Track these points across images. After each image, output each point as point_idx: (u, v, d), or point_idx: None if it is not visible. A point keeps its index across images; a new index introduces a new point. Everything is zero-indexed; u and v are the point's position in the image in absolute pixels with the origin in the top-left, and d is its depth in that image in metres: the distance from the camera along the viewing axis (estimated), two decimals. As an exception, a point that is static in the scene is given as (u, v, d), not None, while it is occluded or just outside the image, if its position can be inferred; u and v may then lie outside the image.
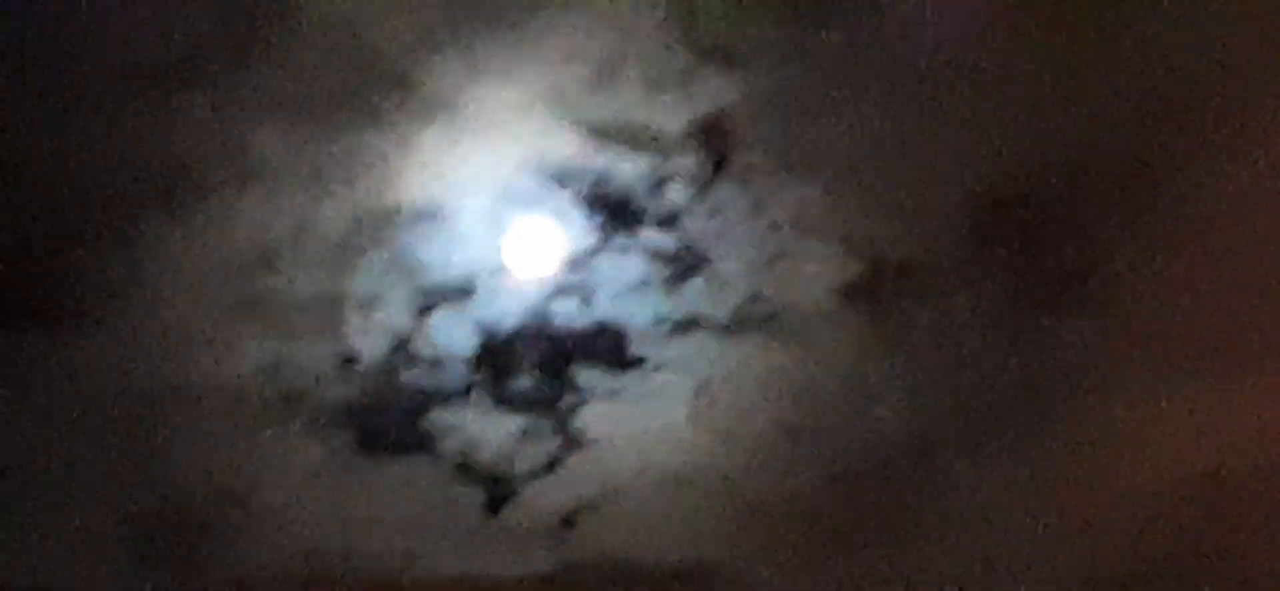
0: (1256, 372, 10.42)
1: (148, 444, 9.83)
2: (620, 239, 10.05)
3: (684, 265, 10.12)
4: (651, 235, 10.06)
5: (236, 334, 9.86)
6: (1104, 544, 10.41)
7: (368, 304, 9.94)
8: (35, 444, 9.84)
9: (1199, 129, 10.46)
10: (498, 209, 10.03)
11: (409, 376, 9.98)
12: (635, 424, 10.01)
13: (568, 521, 10.05)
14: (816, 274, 10.17)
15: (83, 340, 9.84)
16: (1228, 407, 10.45)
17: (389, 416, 9.96)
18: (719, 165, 10.17)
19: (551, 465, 9.98)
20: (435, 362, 9.97)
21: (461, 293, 9.99)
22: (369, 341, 9.93)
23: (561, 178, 9.99)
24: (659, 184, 10.05)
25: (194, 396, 9.83)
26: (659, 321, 10.06)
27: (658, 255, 10.08)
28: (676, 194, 10.09)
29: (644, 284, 10.06)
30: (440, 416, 9.95)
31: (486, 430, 9.97)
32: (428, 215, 9.98)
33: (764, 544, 10.20)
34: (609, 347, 10.04)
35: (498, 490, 9.99)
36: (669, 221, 10.04)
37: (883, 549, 10.23)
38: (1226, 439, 10.49)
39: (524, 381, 10.02)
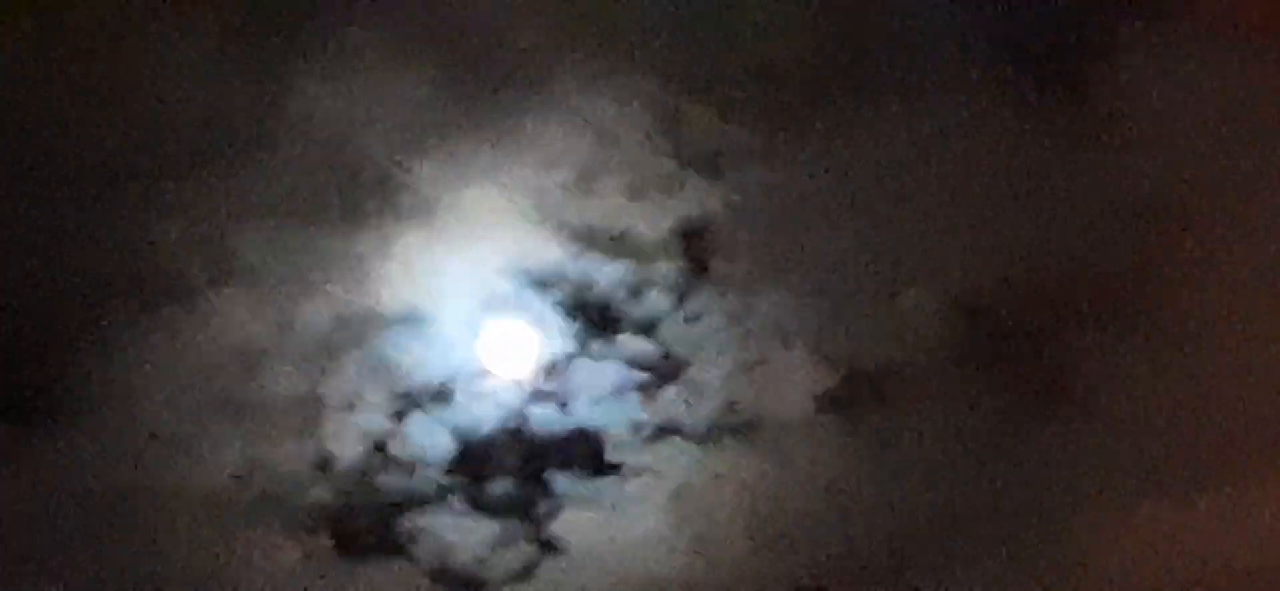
0: (1237, 482, 10.64)
1: (124, 546, 10.30)
2: (598, 345, 10.57)
3: (661, 372, 10.59)
4: (629, 341, 10.57)
5: (214, 435, 10.35)
6: None
7: (345, 406, 10.39)
8: (10, 544, 9.85)
9: (1178, 239, 11.27)
10: (477, 313, 10.60)
11: (385, 479, 10.28)
12: (611, 530, 10.34)
13: None
14: (793, 383, 10.63)
15: (60, 440, 10.34)
16: (1207, 518, 10.63)
17: (365, 519, 10.15)
18: (698, 272, 10.63)
19: (527, 571, 10.16)
20: (412, 466, 10.38)
21: (439, 396, 10.43)
22: (346, 444, 10.38)
23: (541, 283, 10.62)
24: (638, 290, 10.55)
25: (171, 498, 10.31)
26: (636, 428, 10.45)
27: (635, 362, 10.59)
28: (655, 301, 10.59)
29: (621, 390, 10.53)
30: (416, 520, 10.29)
31: (462, 535, 10.28)
32: (407, 318, 10.55)
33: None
34: (585, 453, 10.45)
35: (474, 594, 9.94)
36: (647, 328, 10.58)
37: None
38: (1206, 549, 10.56)
39: (500, 486, 10.37)
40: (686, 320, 11.20)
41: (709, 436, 11.06)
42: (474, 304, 11.11)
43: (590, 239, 11.23)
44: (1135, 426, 11.16)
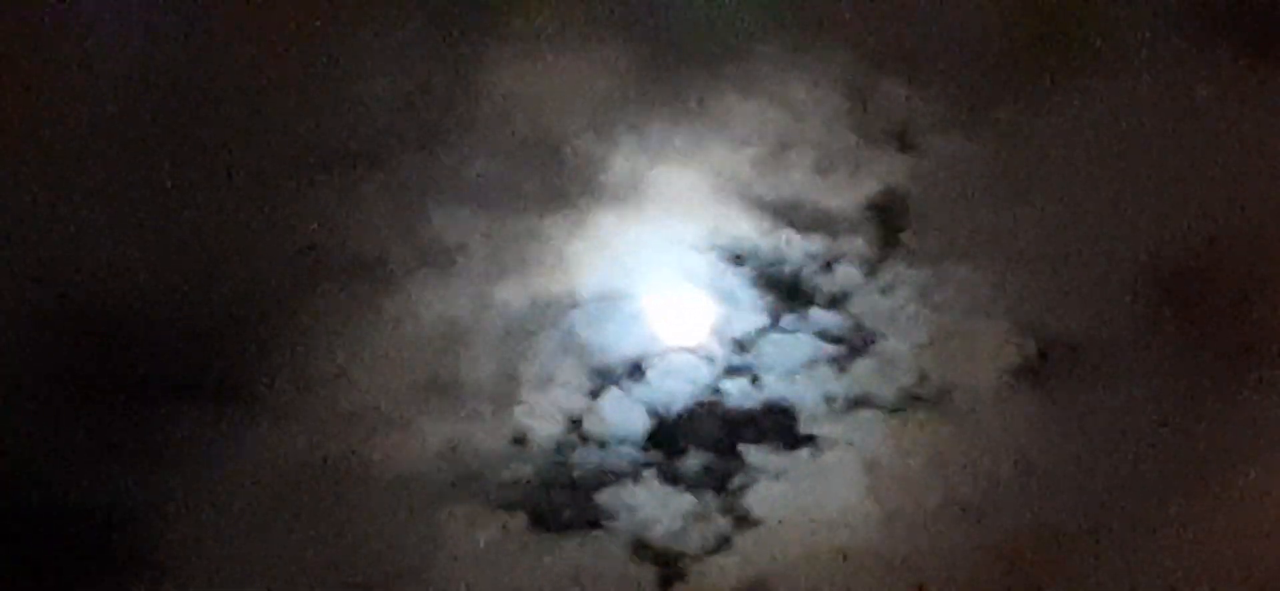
0: None
1: (327, 522, 10.70)
2: (790, 318, 10.72)
3: (853, 345, 10.73)
4: (821, 315, 10.70)
5: (414, 414, 10.79)
6: None
7: (542, 385, 10.70)
8: (219, 523, 10.43)
9: None
10: (670, 290, 10.86)
11: (582, 456, 10.50)
12: (805, 502, 10.61)
13: None
14: (985, 353, 10.83)
15: (264, 419, 11.00)
16: None
17: (562, 496, 10.47)
18: (889, 246, 10.84)
19: (722, 544, 10.39)
20: (607, 442, 10.52)
21: (633, 373, 10.81)
22: (543, 421, 10.67)
23: (733, 258, 10.88)
24: (829, 264, 10.77)
25: (372, 475, 10.74)
26: (828, 400, 10.61)
27: (827, 335, 10.71)
28: (846, 274, 10.79)
29: (813, 363, 10.68)
30: (612, 495, 10.59)
31: (658, 509, 10.59)
32: (601, 297, 10.94)
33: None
34: (779, 427, 10.63)
35: (669, 569, 10.33)
36: (839, 301, 10.73)
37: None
38: None
39: (695, 460, 10.57)
40: (878, 293, 11.43)
41: (901, 408, 11.30)
42: (667, 281, 11.45)
43: (782, 214, 11.49)
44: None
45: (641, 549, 11.21)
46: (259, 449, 11.23)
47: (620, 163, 11.53)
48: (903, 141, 11.62)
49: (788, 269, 11.48)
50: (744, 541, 11.22)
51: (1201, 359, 11.25)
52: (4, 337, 11.09)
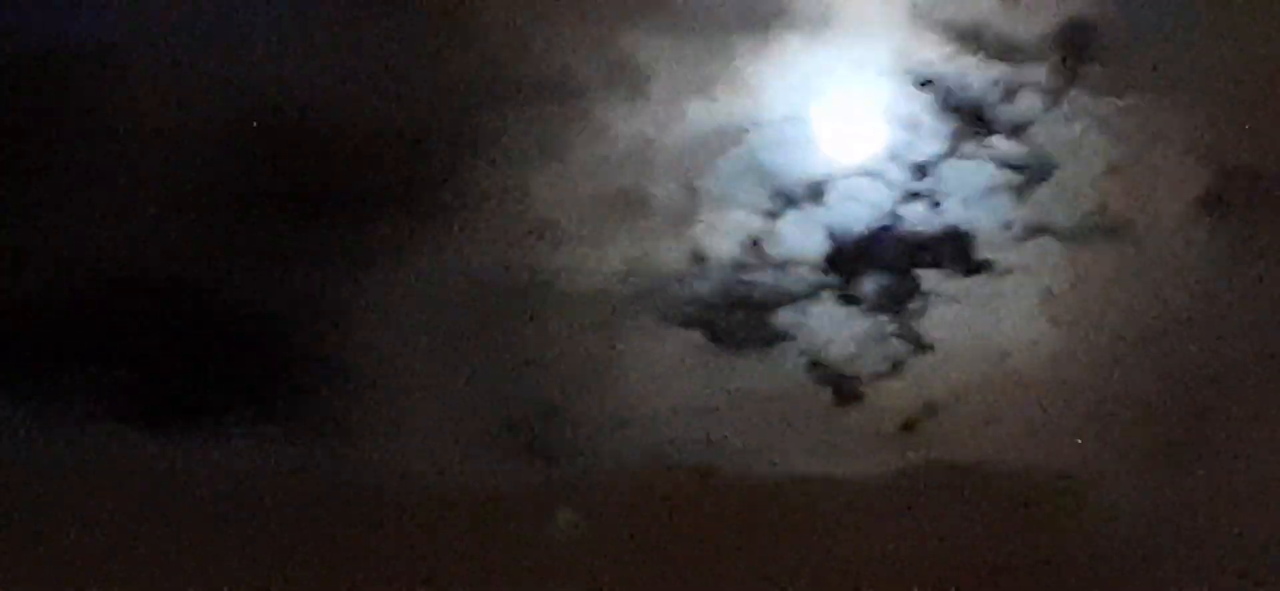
0: None
1: (512, 331, 10.87)
2: (971, 146, 10.83)
3: (1033, 173, 10.84)
4: (1001, 143, 10.82)
5: (597, 230, 11.09)
6: None
7: (723, 205, 10.84)
8: (407, 331, 10.86)
9: None
10: (851, 115, 10.99)
11: (760, 276, 10.75)
12: (980, 328, 10.85)
13: (910, 424, 10.58)
14: (1166, 185, 10.98)
15: (452, 228, 11.17)
16: None
17: (740, 314, 10.77)
18: (1072, 76, 10.93)
19: (897, 366, 10.67)
20: (785, 263, 10.74)
21: (813, 195, 10.92)
22: (722, 241, 10.85)
23: (917, 84, 10.92)
24: (1012, 92, 10.89)
25: (555, 288, 11.06)
26: (1006, 227, 10.75)
27: (1007, 162, 10.81)
28: (1028, 103, 10.92)
29: (993, 190, 10.81)
30: (789, 316, 10.85)
31: (834, 330, 10.86)
32: (783, 120, 11.14)
33: (1110, 451, 10.54)
34: (956, 252, 10.85)
35: (843, 389, 10.63)
36: (1020, 130, 10.82)
37: (1229, 461, 10.41)
38: None
39: (872, 283, 10.77)
40: (1059, 122, 11.61)
41: (1079, 237, 11.54)
42: (850, 105, 11.67)
43: (967, 40, 11.64)
44: None
45: (817, 368, 11.60)
46: (445, 258, 11.65)
47: (812, -12, 11.71)
48: (1091, -30, 11.71)
49: (971, 95, 11.67)
50: (918, 364, 11.59)
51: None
52: (202, 149, 11.51)
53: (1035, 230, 11.64)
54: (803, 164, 11.71)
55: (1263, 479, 11.21)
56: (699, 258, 11.70)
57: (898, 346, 11.58)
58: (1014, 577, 11.26)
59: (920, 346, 11.57)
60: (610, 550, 11.47)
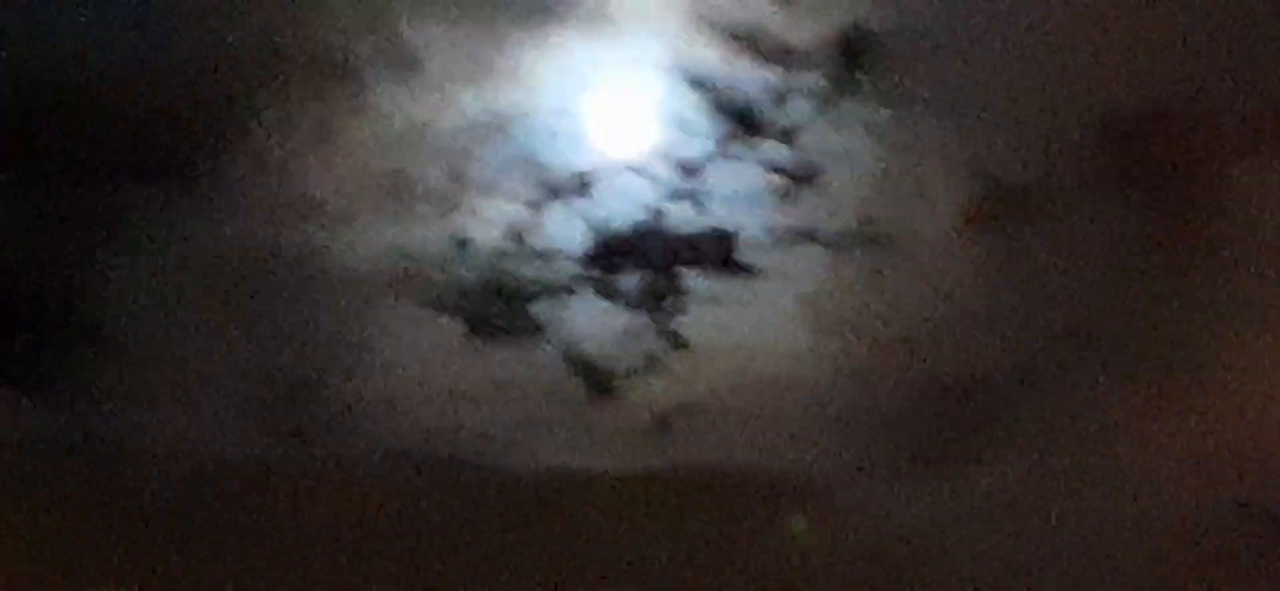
0: None
1: (272, 309, 10.95)
2: (739, 147, 10.83)
3: (800, 178, 10.85)
4: (771, 146, 10.83)
5: (364, 211, 10.98)
6: (1216, 486, 10.47)
7: (488, 192, 10.88)
8: (166, 302, 10.92)
9: None
10: (621, 110, 11.03)
11: (521, 266, 10.75)
12: (738, 330, 10.87)
13: (665, 421, 10.59)
14: (932, 197, 10.97)
15: (217, 201, 11.11)
16: None
17: (499, 303, 10.78)
18: (845, 84, 10.90)
19: (654, 364, 10.67)
20: (547, 254, 10.77)
21: (578, 188, 10.90)
22: (485, 229, 10.89)
23: (688, 83, 10.93)
24: (783, 97, 10.89)
25: (318, 267, 10.93)
26: (770, 231, 10.78)
27: (775, 166, 10.83)
28: (800, 108, 10.90)
29: (758, 193, 10.80)
30: (548, 308, 10.87)
31: (593, 324, 10.93)
32: (553, 111, 11.06)
33: (864, 457, 10.56)
34: (718, 253, 10.76)
35: (600, 384, 10.68)
36: (790, 134, 10.84)
37: (979, 468, 10.50)
38: None
39: (632, 280, 10.76)
40: (829, 129, 11.63)
41: (843, 244, 11.57)
42: (621, 100, 11.70)
43: (742, 42, 11.65)
44: (1273, 261, 11.35)
45: (574, 361, 11.65)
46: (209, 232, 11.70)
47: (589, -19, 11.74)
48: (868, -22, 11.74)
49: (742, 97, 11.68)
50: (676, 362, 11.63)
51: (1151, 222, 11.45)
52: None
53: (799, 236, 11.67)
54: (570, 157, 11.75)
55: (1010, 498, 11.28)
56: (462, 244, 11.74)
57: (655, 344, 11.64)
58: (757, 580, 11.35)
59: (677, 345, 11.62)
60: (363, 531, 11.54)
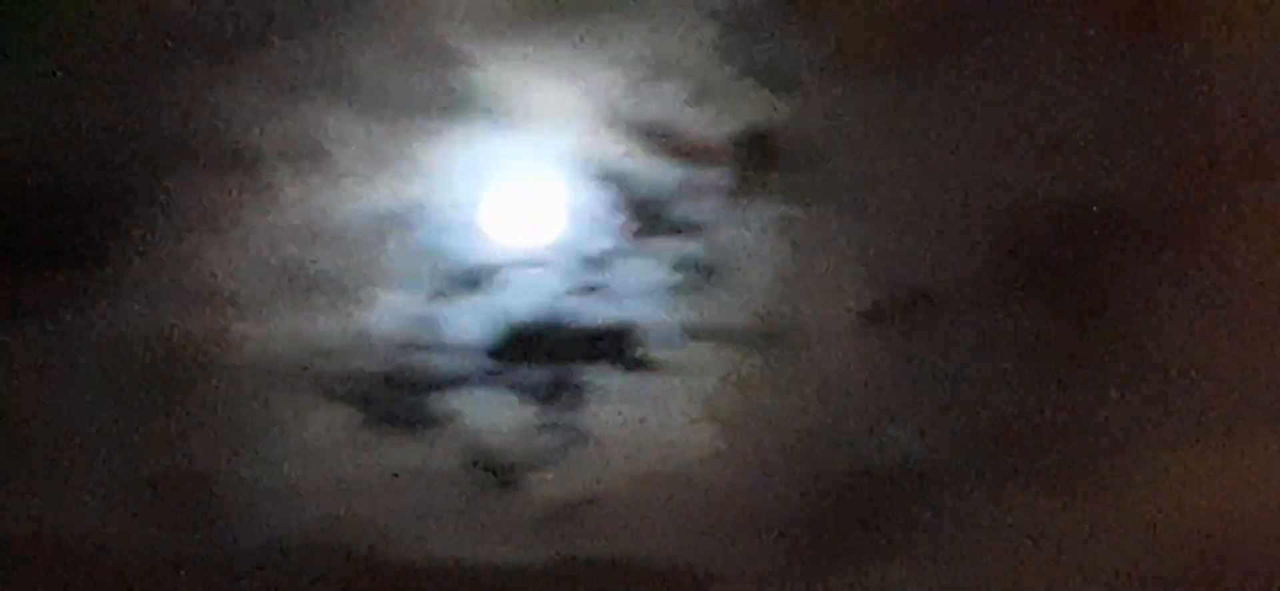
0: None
1: (169, 401, 10.89)
2: (646, 243, 10.85)
3: (705, 275, 10.87)
4: (677, 243, 10.87)
5: (265, 302, 10.94)
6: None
7: (391, 285, 10.83)
8: (58, 389, 10.82)
9: (1238, 179, 11.10)
10: (526, 204, 11.00)
11: (422, 359, 10.74)
12: (644, 425, 10.89)
13: (569, 515, 10.69)
14: (836, 295, 11.09)
15: (116, 292, 11.03)
16: (1263, 462, 10.78)
17: (400, 396, 10.74)
18: (750, 181, 10.98)
19: (557, 459, 10.64)
20: (449, 348, 10.78)
21: (481, 282, 10.91)
22: (388, 320, 10.77)
23: (593, 179, 10.95)
24: (689, 193, 10.89)
25: (213, 356, 10.77)
26: (675, 328, 10.76)
27: (681, 263, 10.87)
28: (705, 205, 10.92)
29: (664, 289, 10.82)
30: (449, 401, 10.83)
31: (494, 419, 10.94)
32: (457, 205, 11.02)
33: (764, 554, 10.65)
34: (623, 349, 10.80)
35: (501, 478, 10.68)
36: (695, 230, 10.87)
37: (884, 569, 10.56)
38: (1261, 496, 10.76)
39: (536, 375, 10.76)
40: (735, 226, 11.67)
41: (748, 341, 11.61)
42: (524, 195, 11.70)
43: (650, 139, 11.68)
44: (1179, 366, 11.52)
45: (473, 454, 11.63)
46: (105, 319, 11.61)
47: (497, 73, 11.69)
48: (778, 80, 11.76)
49: (648, 193, 11.71)
50: (578, 457, 11.64)
51: (1049, 324, 11.57)
52: None
53: (702, 332, 11.72)
54: (474, 250, 11.72)
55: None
56: (363, 336, 11.70)
57: (556, 438, 11.64)
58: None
59: (579, 439, 11.63)
60: (254, 623, 11.50)
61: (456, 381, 11.65)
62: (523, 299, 11.72)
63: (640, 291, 11.75)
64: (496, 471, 11.58)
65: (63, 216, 11.75)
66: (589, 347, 11.73)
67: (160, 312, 11.64)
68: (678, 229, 11.74)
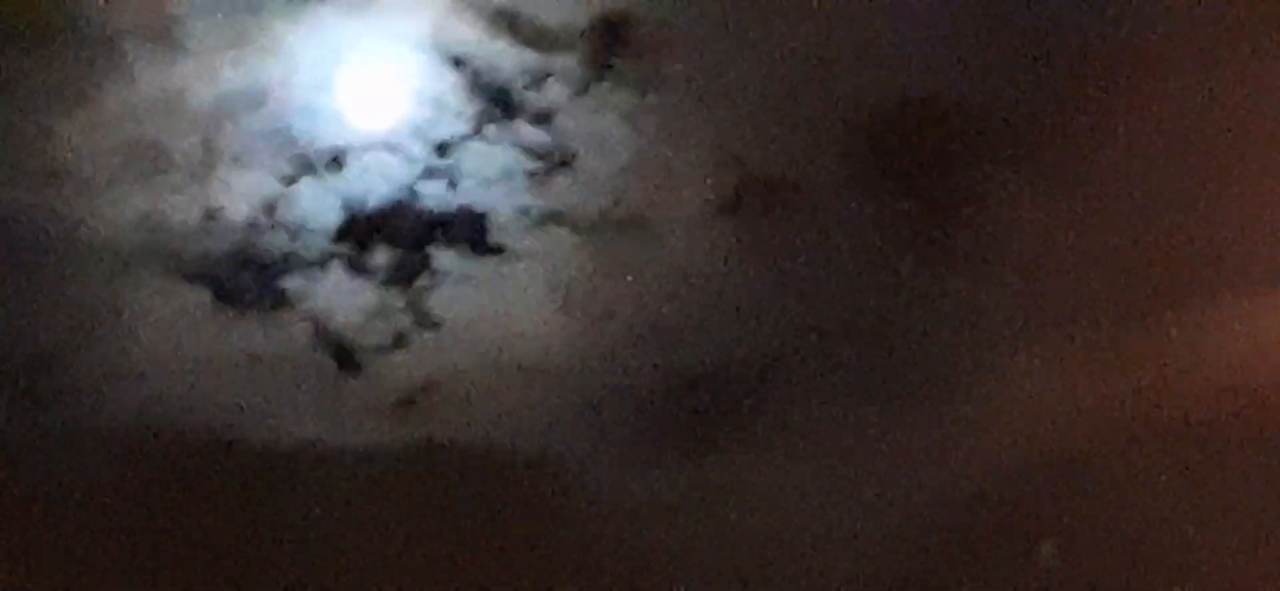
0: (1124, 328, 10.81)
1: (18, 280, 10.82)
2: (494, 129, 10.91)
3: (553, 161, 10.92)
4: (525, 129, 10.91)
5: (116, 180, 10.91)
6: (955, 481, 10.63)
7: (241, 165, 10.90)
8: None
9: (1088, 80, 11.23)
10: (377, 87, 10.98)
11: (271, 240, 10.78)
12: (489, 310, 10.97)
13: (411, 399, 10.63)
14: (685, 184, 11.05)
15: None
16: (1095, 365, 10.85)
17: (247, 276, 10.78)
18: (601, 68, 11.02)
19: (401, 341, 10.70)
20: (298, 230, 10.80)
21: (331, 164, 10.95)
22: (236, 202, 10.83)
23: (445, 63, 10.99)
24: (540, 79, 10.97)
25: (65, 234, 10.77)
26: (523, 213, 10.82)
27: (528, 149, 10.90)
28: (556, 91, 10.98)
29: (511, 175, 10.88)
30: (297, 282, 10.80)
31: (341, 300, 10.93)
32: (311, 86, 11.03)
33: (602, 438, 10.65)
34: (470, 233, 10.83)
35: (346, 360, 10.71)
36: (545, 117, 10.92)
37: (727, 461, 10.60)
38: (1093, 397, 10.83)
39: (383, 257, 10.80)
40: (585, 113, 11.72)
41: (596, 228, 11.63)
42: (376, 78, 11.77)
43: (500, 24, 11.73)
44: (1026, 265, 11.56)
45: (323, 336, 11.65)
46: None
47: (349, -41, 11.82)
48: (630, -34, 11.88)
49: (499, 79, 11.76)
50: (423, 341, 11.67)
51: (900, 218, 11.60)
52: None
53: (551, 218, 11.75)
54: (325, 132, 11.79)
55: (749, 486, 11.36)
56: (212, 216, 11.74)
57: (404, 321, 11.66)
58: (496, 555, 11.37)
59: (426, 323, 11.65)
60: (104, 503, 11.49)
61: (307, 263, 11.68)
62: (373, 182, 11.78)
63: (491, 177, 11.80)
64: (345, 354, 11.60)
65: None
66: (438, 232, 11.77)
67: (11, 191, 11.70)
68: (530, 116, 11.81)
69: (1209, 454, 11.31)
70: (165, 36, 11.79)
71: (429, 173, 11.81)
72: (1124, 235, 11.50)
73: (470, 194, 11.82)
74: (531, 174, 11.82)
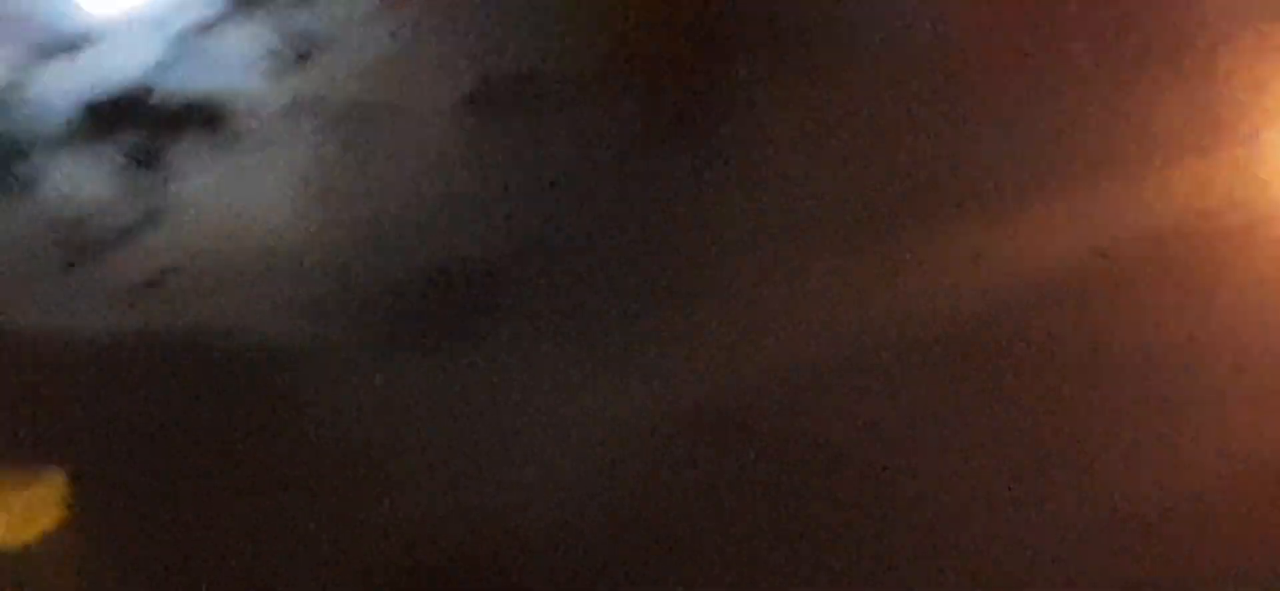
0: (885, 238, 10.68)
1: None
2: (240, 15, 10.72)
3: (300, 51, 10.77)
4: (271, 16, 10.77)
5: None
6: (693, 393, 10.45)
7: None
8: None
9: None
10: (124, -31, 10.88)
11: (8, 122, 10.50)
12: (229, 198, 10.62)
13: (152, 283, 10.41)
14: (434, 77, 10.84)
15: None
16: (851, 283, 10.67)
17: (-19, 158, 10.56)
18: (349, -43, 11.02)
19: (141, 226, 10.40)
20: (34, 113, 10.53)
21: (72, 47, 10.65)
22: None
23: None
24: (286, -34, 10.91)
25: None
26: (265, 102, 10.63)
27: (275, 36, 10.70)
28: (304, -21, 10.93)
29: (256, 63, 10.70)
30: (33, 167, 10.51)
31: (80, 184, 10.46)
32: (52, -35, 10.84)
33: (341, 329, 10.43)
34: (212, 121, 10.67)
35: (81, 245, 10.39)
36: (292, 6, 10.73)
37: (460, 348, 10.44)
38: (850, 318, 10.66)
39: (122, 143, 10.52)
40: (333, 3, 11.56)
41: (345, 117, 11.45)
42: (118, -40, 11.56)
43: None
44: (780, 169, 11.39)
45: (57, 222, 11.36)
46: None
47: None
48: None
49: (246, -36, 11.63)
50: (161, 228, 11.38)
51: (648, 118, 11.46)
52: None
53: (296, 107, 11.55)
54: (64, 14, 11.57)
55: (491, 381, 11.09)
56: (-56, 97, 11.49)
57: (142, 208, 11.39)
58: (235, 447, 11.06)
59: (165, 210, 11.38)
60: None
61: (42, 147, 11.41)
62: (113, 65, 11.55)
63: (237, 64, 11.60)
64: (80, 240, 11.30)
65: None
66: (179, 118, 11.54)
67: None
68: (272, 4, 11.63)
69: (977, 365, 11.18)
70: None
71: (173, 58, 11.60)
72: (905, 137, 11.39)
73: (215, 80, 11.61)
74: (279, 61, 11.63)
